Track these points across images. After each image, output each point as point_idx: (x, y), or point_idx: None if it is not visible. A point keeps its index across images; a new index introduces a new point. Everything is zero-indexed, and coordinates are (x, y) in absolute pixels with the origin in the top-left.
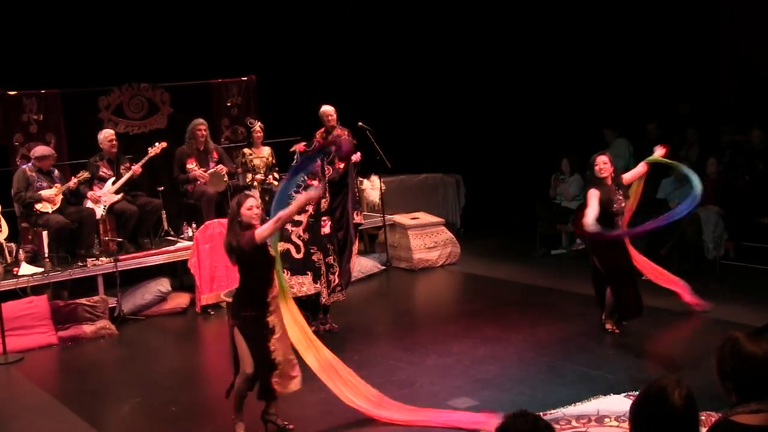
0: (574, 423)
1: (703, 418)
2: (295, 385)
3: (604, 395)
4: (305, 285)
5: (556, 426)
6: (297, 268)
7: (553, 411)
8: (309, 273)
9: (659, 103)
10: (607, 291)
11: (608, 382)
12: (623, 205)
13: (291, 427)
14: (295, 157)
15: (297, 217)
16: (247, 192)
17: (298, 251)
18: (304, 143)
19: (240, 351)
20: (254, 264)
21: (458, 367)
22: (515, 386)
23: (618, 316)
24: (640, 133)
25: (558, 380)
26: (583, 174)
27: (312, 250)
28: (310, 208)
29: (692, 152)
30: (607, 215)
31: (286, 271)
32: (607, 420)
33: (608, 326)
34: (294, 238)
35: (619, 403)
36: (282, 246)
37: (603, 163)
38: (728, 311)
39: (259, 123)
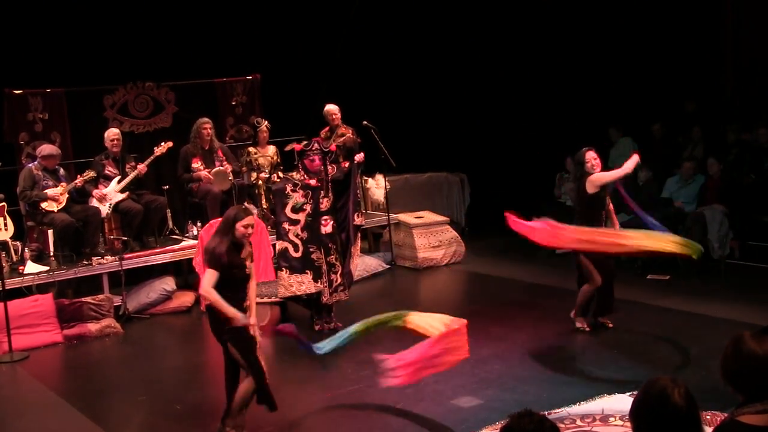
0: (578, 422)
1: (708, 417)
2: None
3: (609, 394)
4: (305, 284)
5: (561, 425)
6: (296, 266)
7: (557, 410)
8: (309, 272)
9: (664, 101)
10: (581, 288)
11: (613, 382)
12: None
13: None
14: (294, 156)
15: (295, 216)
16: (248, 208)
17: (296, 250)
18: (304, 143)
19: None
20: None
21: (463, 366)
22: (520, 385)
23: (600, 312)
24: (645, 132)
25: (562, 379)
26: None
27: (311, 249)
28: (309, 208)
29: (697, 151)
30: (592, 209)
31: (284, 269)
32: (611, 419)
33: (602, 320)
34: (292, 236)
35: (624, 403)
36: (280, 245)
37: (593, 159)
38: (733, 311)
39: (266, 122)
